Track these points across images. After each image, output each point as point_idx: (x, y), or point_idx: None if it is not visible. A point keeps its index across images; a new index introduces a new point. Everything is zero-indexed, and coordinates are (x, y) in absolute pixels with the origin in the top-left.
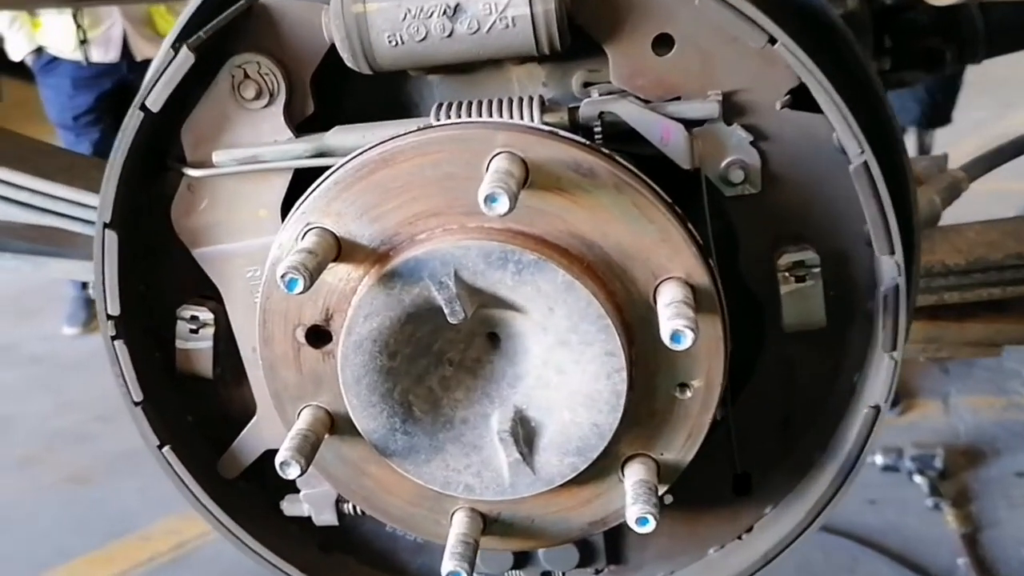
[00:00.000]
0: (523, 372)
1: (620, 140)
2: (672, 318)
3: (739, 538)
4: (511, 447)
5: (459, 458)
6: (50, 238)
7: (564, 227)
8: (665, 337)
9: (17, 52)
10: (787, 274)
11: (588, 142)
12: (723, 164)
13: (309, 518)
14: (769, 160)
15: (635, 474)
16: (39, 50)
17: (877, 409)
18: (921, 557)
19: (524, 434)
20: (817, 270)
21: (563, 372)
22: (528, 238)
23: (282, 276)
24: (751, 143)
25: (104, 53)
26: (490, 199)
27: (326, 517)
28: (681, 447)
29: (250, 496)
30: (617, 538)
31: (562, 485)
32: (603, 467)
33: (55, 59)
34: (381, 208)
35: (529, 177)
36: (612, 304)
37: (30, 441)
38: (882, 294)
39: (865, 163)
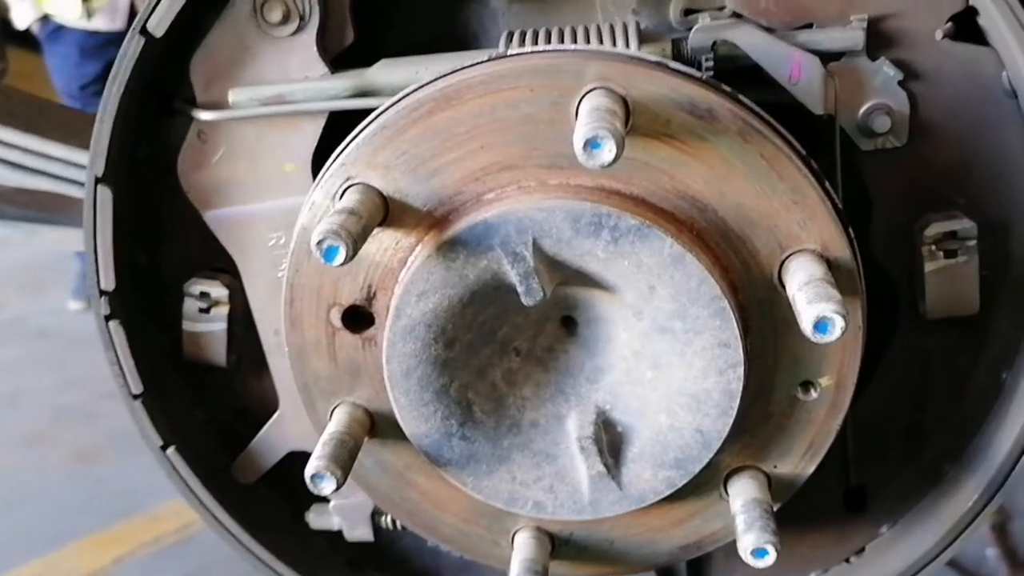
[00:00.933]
0: (606, 365)
1: (733, 80)
2: (815, 301)
3: (847, 560)
4: (593, 457)
5: (528, 469)
6: (43, 203)
7: (671, 185)
8: (806, 326)
9: (23, 20)
10: (934, 248)
11: (707, 77)
12: (863, 109)
13: (340, 532)
14: (920, 105)
15: (744, 491)
16: (45, 18)
17: None
18: None
19: (609, 441)
20: (973, 243)
21: (660, 366)
22: (626, 199)
23: (319, 243)
24: (900, 83)
25: (110, 21)
26: (592, 144)
27: (360, 532)
28: (800, 459)
29: (270, 505)
30: (700, 559)
31: (653, 503)
32: (702, 481)
33: (61, 27)
34: (440, 160)
35: (631, 120)
36: (727, 282)
37: (36, 418)
38: None
39: None
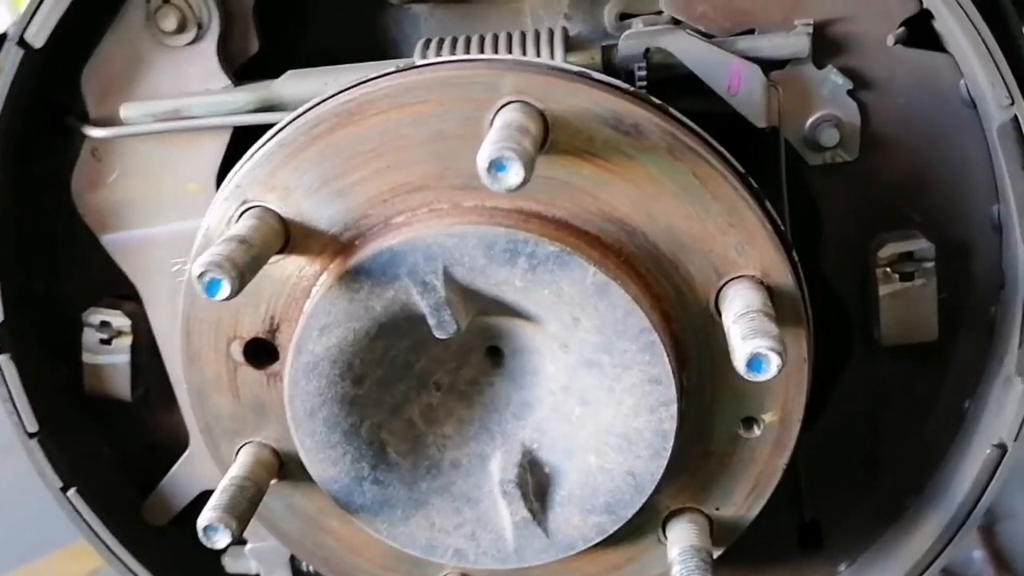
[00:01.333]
0: (533, 400)
1: (668, 90)
2: (749, 336)
3: None
4: (517, 502)
5: (448, 515)
6: None
7: (596, 206)
8: (739, 363)
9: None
10: (889, 270)
11: (633, 88)
12: (811, 121)
13: None
14: (871, 116)
15: (682, 537)
16: None
17: (1003, 449)
18: None
19: (535, 483)
20: (930, 265)
21: (589, 403)
22: (547, 222)
23: (200, 276)
24: (849, 92)
25: None
26: (496, 166)
27: (279, 575)
28: (744, 500)
29: (184, 548)
30: None
31: (584, 550)
32: (639, 524)
33: None
34: (344, 180)
35: (549, 136)
36: (659, 313)
37: (7, 429)
38: (1021, 298)
39: (1015, 118)
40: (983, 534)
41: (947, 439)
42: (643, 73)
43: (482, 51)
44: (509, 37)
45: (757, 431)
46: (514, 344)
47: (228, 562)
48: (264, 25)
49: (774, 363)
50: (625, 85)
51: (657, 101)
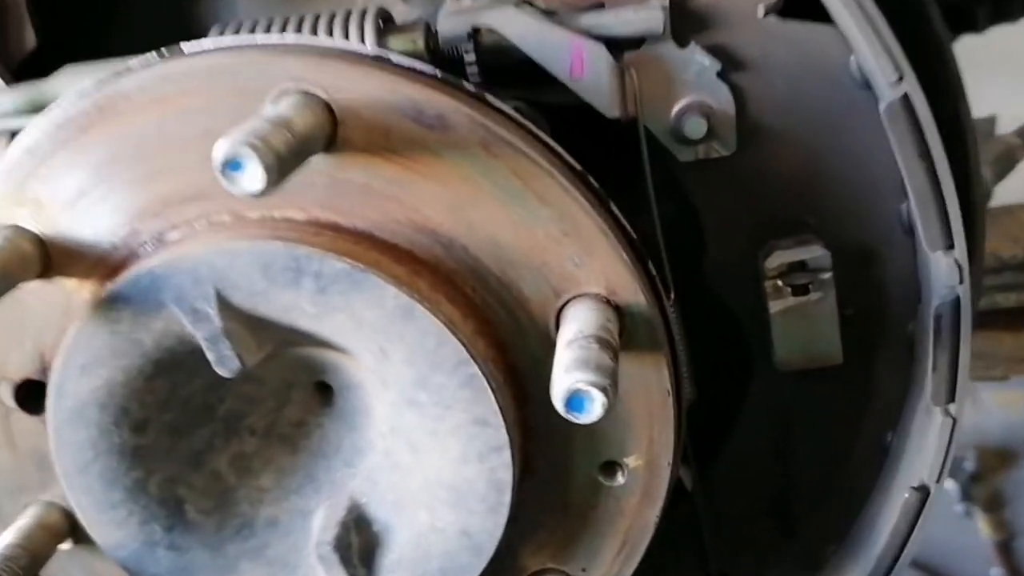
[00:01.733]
0: (366, 444)
1: (516, 80)
2: (571, 368)
3: None
4: (336, 568)
5: None
6: None
7: (405, 215)
8: (556, 401)
9: None
10: (779, 283)
11: (439, 72)
12: (675, 110)
13: None
14: (748, 102)
15: None
16: None
17: (925, 492)
18: (951, 568)
19: (361, 545)
20: (827, 276)
21: (417, 449)
22: (346, 235)
23: None
24: (720, 75)
25: None
26: (230, 165)
27: None
28: (614, 558)
29: None
30: None
31: None
32: None
33: None
34: (104, 189)
35: (339, 131)
36: (488, 341)
37: None
38: (932, 313)
39: (906, 96)
40: (1001, 551)
41: (868, 477)
42: (472, 58)
43: (284, 34)
44: (316, 18)
45: (621, 478)
46: (343, 379)
47: None
48: (43, 14)
49: (598, 402)
50: (431, 70)
51: (470, 88)
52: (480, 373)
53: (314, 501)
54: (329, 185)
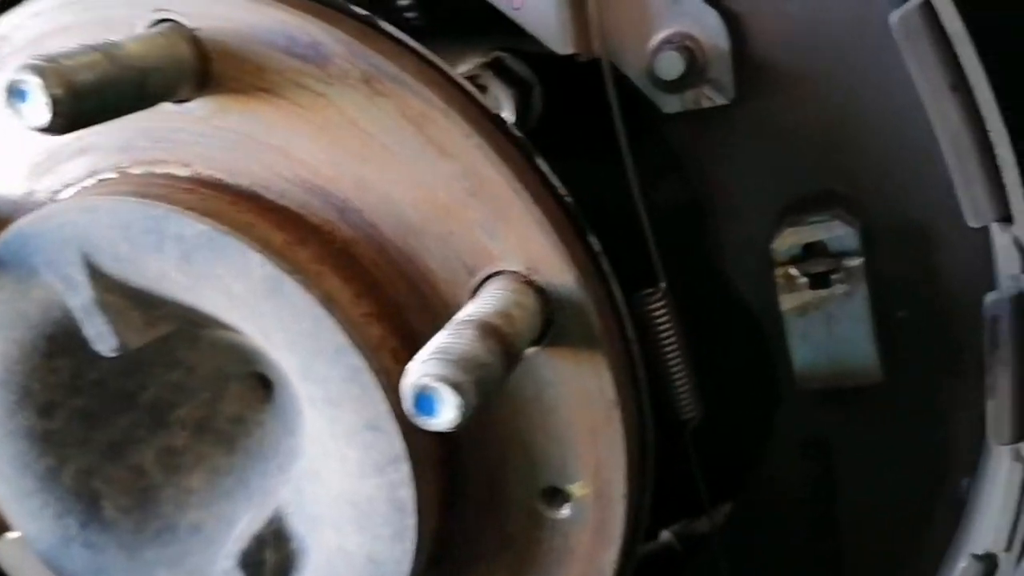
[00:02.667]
0: (298, 447)
1: (486, 25)
2: (424, 360)
3: None
4: None
5: None
6: None
7: (291, 169)
8: (403, 399)
9: None
10: (792, 271)
11: None
12: (652, 45)
13: None
14: (748, 34)
15: None
16: None
17: (990, 564)
18: None
19: (276, 564)
20: (856, 263)
21: (328, 455)
22: (226, 194)
23: None
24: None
25: None
26: (14, 93)
27: None
28: None
29: None
30: None
31: None
32: None
33: None
34: None
35: (212, 67)
36: (389, 326)
37: None
38: (988, 316)
39: (927, 4)
40: None
41: (940, 537)
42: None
43: None
44: None
45: (566, 510)
46: (277, 370)
47: None
48: None
49: (449, 404)
50: None
51: (357, 11)
52: (366, 365)
53: (243, 508)
54: (210, 136)
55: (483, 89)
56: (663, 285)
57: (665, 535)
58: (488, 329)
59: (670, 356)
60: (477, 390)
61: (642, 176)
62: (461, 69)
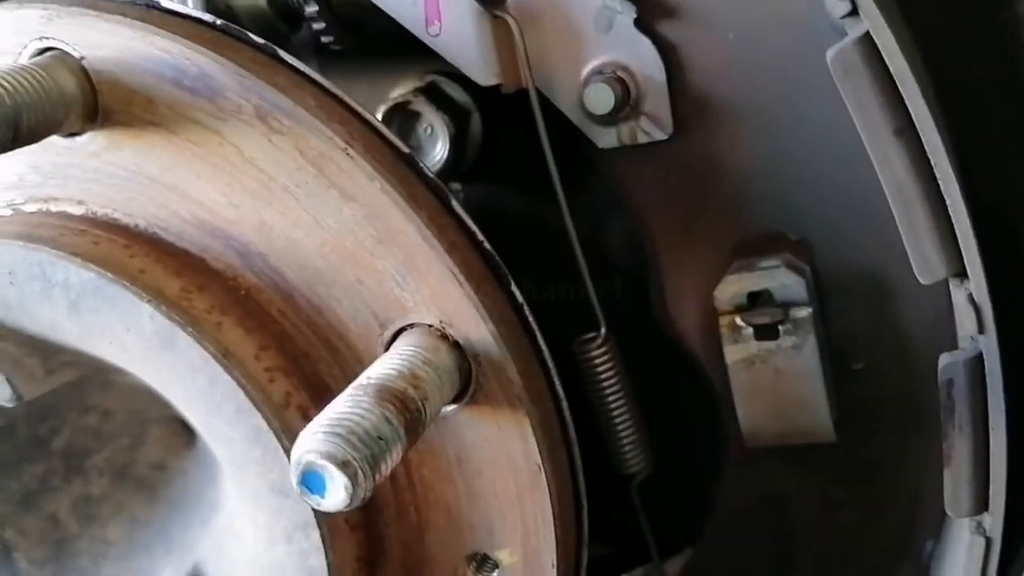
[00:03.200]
0: (219, 500)
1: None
2: (314, 432)
3: None
4: None
5: None
6: None
7: (188, 210)
8: (291, 475)
9: None
10: (737, 320)
11: (217, 20)
12: (582, 75)
13: None
14: (686, 65)
15: None
16: None
17: None
18: None
19: None
20: (804, 314)
21: (241, 518)
22: (121, 235)
23: None
24: (637, 24)
25: None
26: None
27: None
28: None
29: None
30: None
31: None
32: None
33: None
34: None
35: (99, 100)
36: (298, 381)
37: None
38: (942, 379)
39: (867, 38)
40: None
41: None
42: (313, 9)
43: None
44: None
45: None
46: None
47: None
48: None
49: (338, 484)
50: (209, 18)
51: (256, 40)
52: (267, 426)
53: (161, 563)
54: (102, 172)
55: (416, 116)
56: (604, 331)
57: None
58: (388, 395)
59: (614, 406)
60: (370, 467)
61: (581, 214)
62: (393, 94)
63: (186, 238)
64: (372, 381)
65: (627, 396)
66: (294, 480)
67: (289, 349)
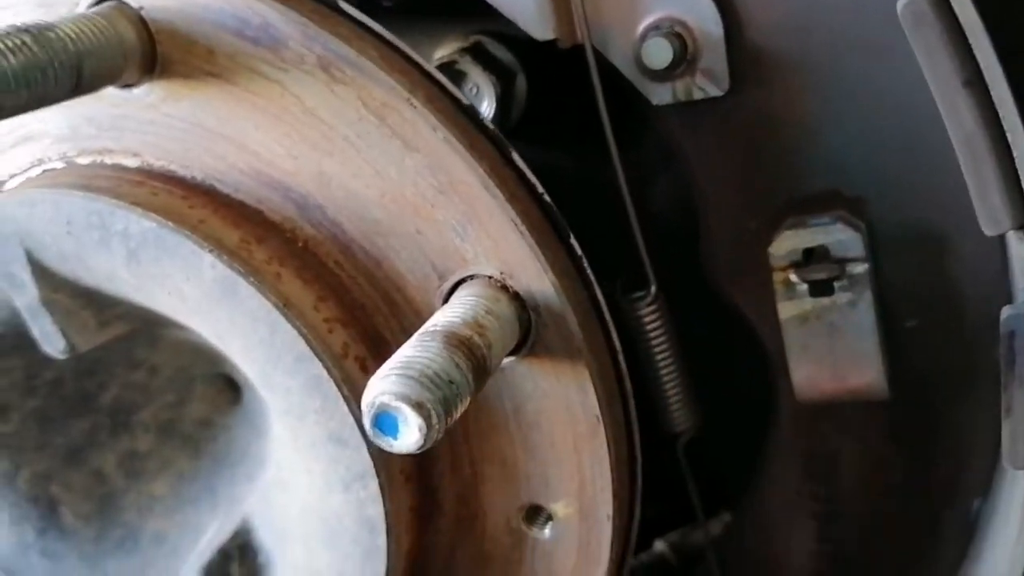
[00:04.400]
0: (266, 455)
1: (468, 6)
2: (386, 375)
3: None
4: None
5: None
6: None
7: (247, 161)
8: (364, 417)
9: None
10: (791, 277)
11: None
12: (639, 30)
13: None
14: (744, 19)
15: None
16: None
17: None
18: None
19: None
20: (861, 270)
21: (292, 467)
22: (178, 187)
23: None
24: None
25: None
26: None
27: None
28: None
29: None
30: None
31: None
32: None
33: None
34: None
35: (158, 50)
36: (355, 332)
37: None
38: (1004, 331)
39: None
40: None
41: (949, 560)
42: None
43: None
44: None
45: (547, 531)
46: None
47: None
48: None
49: (413, 426)
50: None
51: None
52: (327, 375)
53: (208, 517)
54: (159, 124)
55: (462, 76)
56: (654, 288)
57: (659, 545)
58: (456, 341)
59: (662, 365)
60: (443, 410)
61: (632, 172)
62: (438, 54)
63: (243, 190)
64: (439, 328)
65: (675, 355)
66: (367, 422)
67: (347, 301)
